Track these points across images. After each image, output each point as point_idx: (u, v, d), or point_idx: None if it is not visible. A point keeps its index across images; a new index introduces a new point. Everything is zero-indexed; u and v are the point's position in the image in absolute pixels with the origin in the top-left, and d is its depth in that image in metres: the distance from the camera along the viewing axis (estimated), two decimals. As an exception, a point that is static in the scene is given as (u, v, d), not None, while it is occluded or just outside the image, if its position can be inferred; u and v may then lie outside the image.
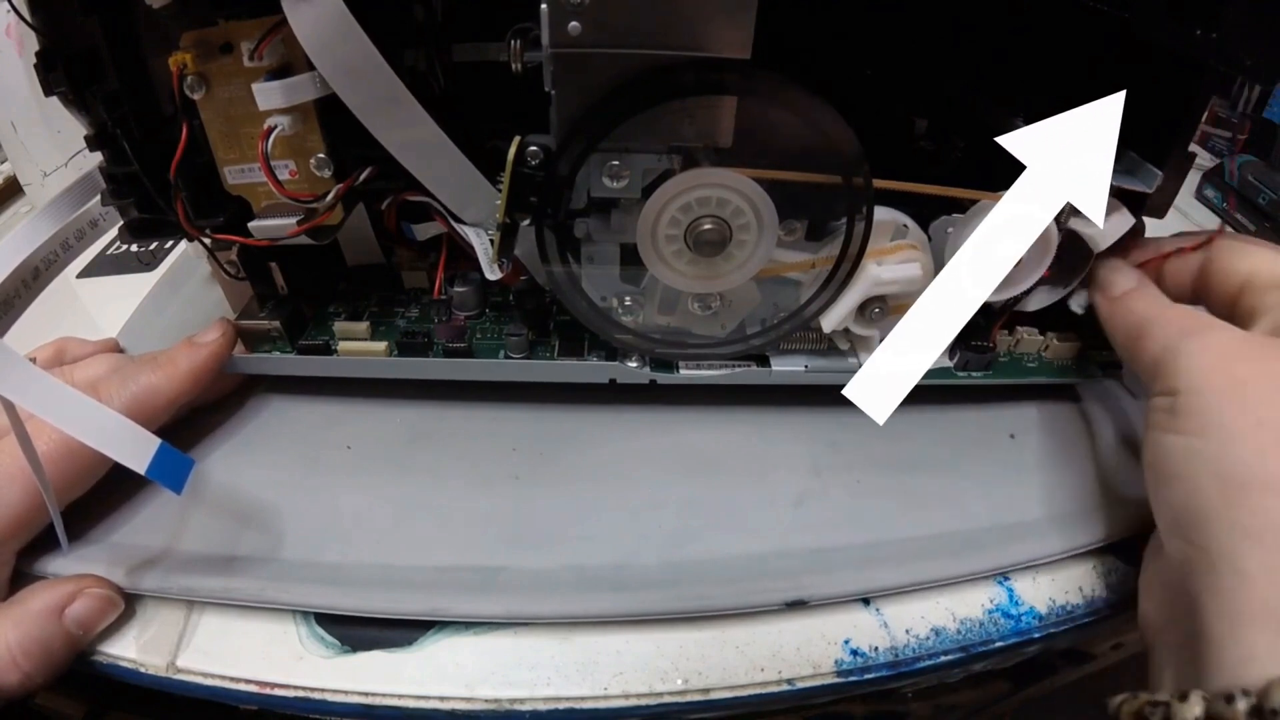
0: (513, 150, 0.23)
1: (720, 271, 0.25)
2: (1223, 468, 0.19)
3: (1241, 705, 0.17)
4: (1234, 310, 0.24)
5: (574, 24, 0.20)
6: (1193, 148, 0.25)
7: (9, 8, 0.25)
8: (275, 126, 0.23)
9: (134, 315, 0.35)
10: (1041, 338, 0.29)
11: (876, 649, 0.23)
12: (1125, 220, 0.26)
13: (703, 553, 0.25)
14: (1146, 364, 0.23)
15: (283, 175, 0.24)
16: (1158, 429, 0.21)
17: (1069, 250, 0.26)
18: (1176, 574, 0.20)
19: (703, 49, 0.21)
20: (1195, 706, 0.17)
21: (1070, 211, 0.25)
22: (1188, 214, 0.48)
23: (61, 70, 0.22)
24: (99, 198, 0.26)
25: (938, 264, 0.27)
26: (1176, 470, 0.20)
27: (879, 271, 0.25)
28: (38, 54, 0.23)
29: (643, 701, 0.22)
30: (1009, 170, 0.25)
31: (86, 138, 0.24)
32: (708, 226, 0.24)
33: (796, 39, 0.23)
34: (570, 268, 0.26)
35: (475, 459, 0.29)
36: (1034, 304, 0.28)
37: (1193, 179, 0.50)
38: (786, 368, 0.29)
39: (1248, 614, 0.18)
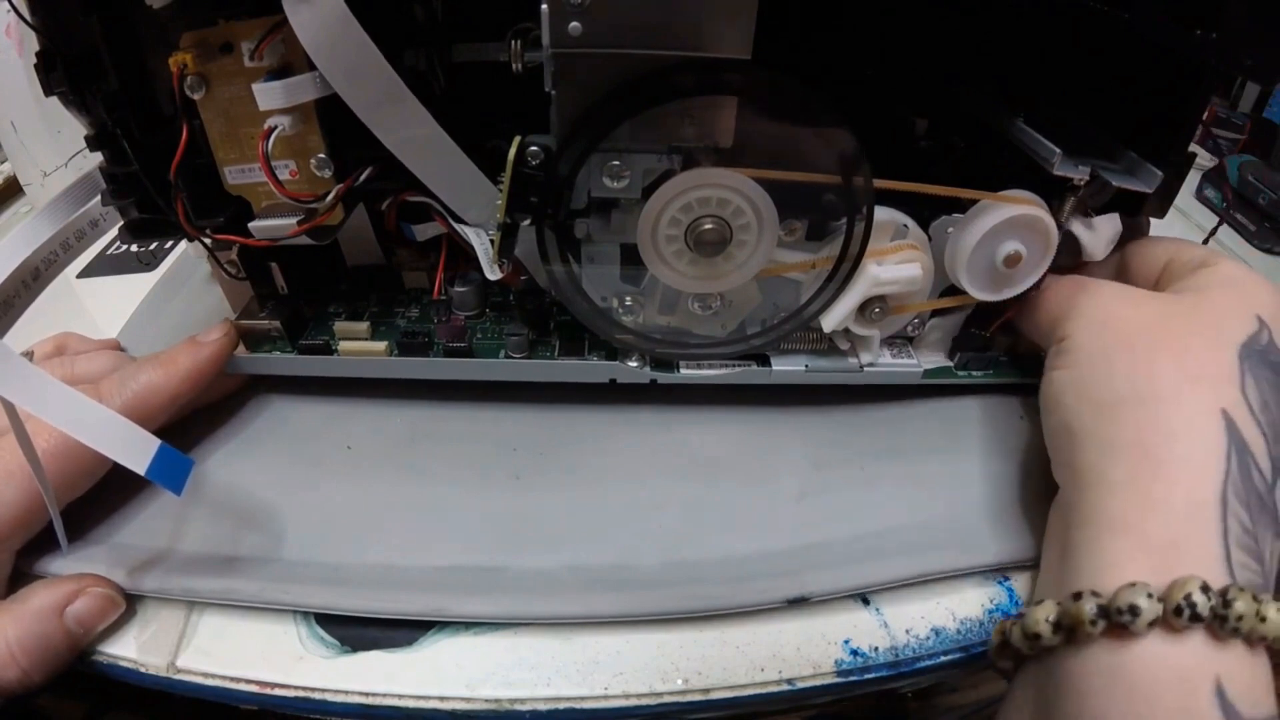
0: (513, 150, 0.23)
1: (720, 271, 0.25)
2: (1095, 391, 0.21)
3: (1089, 605, 0.18)
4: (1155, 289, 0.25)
5: (574, 24, 0.20)
6: (1193, 148, 0.25)
7: (9, 8, 0.25)
8: (275, 126, 0.23)
9: (134, 315, 0.35)
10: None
11: (876, 649, 0.23)
12: (1116, 228, 0.26)
13: (703, 552, 0.25)
14: (1046, 326, 0.25)
15: (283, 175, 0.24)
16: (1048, 369, 0.24)
17: (1062, 250, 0.26)
18: (1060, 499, 0.22)
19: (703, 49, 0.21)
20: (1048, 609, 0.19)
21: (1071, 211, 0.25)
22: (1188, 214, 0.48)
23: (61, 70, 0.22)
24: (99, 198, 0.26)
25: (938, 264, 0.27)
26: (1058, 398, 0.22)
27: (879, 271, 0.25)
28: (38, 54, 0.23)
29: (643, 701, 0.22)
30: (1009, 170, 0.25)
31: (86, 138, 0.24)
32: (708, 226, 0.24)
33: (797, 39, 0.23)
34: (570, 268, 0.26)
35: (476, 459, 0.29)
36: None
37: (1193, 179, 0.50)
38: (786, 367, 0.29)
39: (1108, 524, 0.19)
